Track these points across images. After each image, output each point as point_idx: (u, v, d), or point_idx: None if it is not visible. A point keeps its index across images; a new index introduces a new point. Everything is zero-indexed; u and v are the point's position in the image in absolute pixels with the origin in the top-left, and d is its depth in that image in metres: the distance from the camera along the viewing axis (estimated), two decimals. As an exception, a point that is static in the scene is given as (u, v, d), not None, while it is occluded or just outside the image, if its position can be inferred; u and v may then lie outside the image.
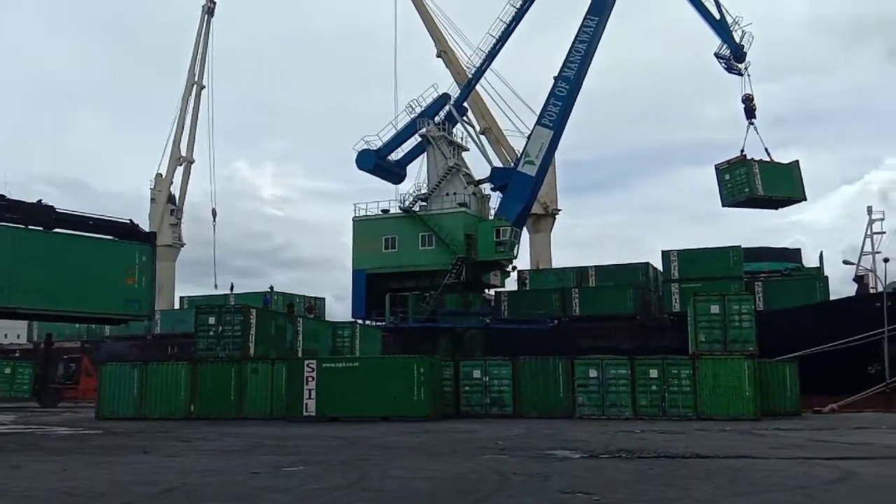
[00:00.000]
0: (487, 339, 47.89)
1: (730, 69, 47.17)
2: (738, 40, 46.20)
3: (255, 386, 31.58)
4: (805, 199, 48.18)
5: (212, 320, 33.57)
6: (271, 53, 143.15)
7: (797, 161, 48.25)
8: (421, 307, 49.49)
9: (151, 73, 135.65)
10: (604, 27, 47.96)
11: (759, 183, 45.71)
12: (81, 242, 27.62)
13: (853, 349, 37.15)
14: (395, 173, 52.04)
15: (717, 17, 46.07)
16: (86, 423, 29.33)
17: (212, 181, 67.88)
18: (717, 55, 47.08)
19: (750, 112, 46.86)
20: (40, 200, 27.27)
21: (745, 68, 46.53)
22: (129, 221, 30.18)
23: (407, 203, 49.79)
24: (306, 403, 29.89)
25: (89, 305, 28.07)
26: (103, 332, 60.81)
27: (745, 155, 46.75)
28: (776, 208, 49.79)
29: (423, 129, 50.05)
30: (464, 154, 52.42)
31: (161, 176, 68.82)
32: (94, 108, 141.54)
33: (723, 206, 48.14)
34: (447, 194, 49.55)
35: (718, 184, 47.85)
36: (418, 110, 50.44)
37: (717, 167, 48.23)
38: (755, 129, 46.82)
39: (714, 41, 46.82)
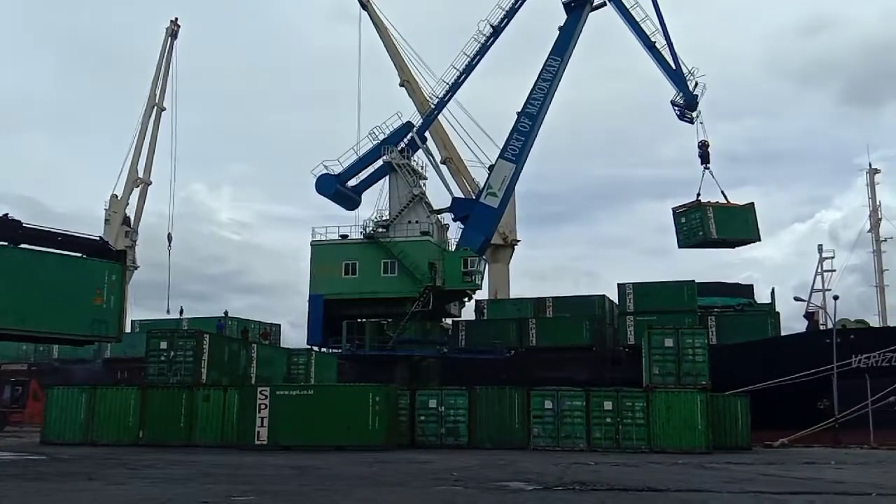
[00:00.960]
0: (444, 369, 47.75)
1: (682, 116, 48.86)
2: (691, 90, 47.84)
3: (207, 413, 31.03)
4: (759, 240, 49.47)
5: (163, 345, 32.98)
6: (232, 78, 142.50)
7: (752, 203, 49.61)
8: (381, 335, 49.26)
9: (109, 94, 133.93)
10: (566, 66, 49.38)
11: (713, 227, 47.11)
12: (48, 259, 26.37)
13: (803, 384, 37.80)
14: (350, 199, 51.81)
15: (674, 66, 47.79)
16: (30, 448, 28.50)
17: (170, 206, 66.59)
18: (672, 102, 48.64)
19: (705, 157, 48.42)
20: (6, 214, 26.08)
21: (697, 116, 48.24)
22: (99, 238, 29.26)
23: (369, 229, 49.56)
24: (258, 431, 29.42)
25: (55, 325, 26.74)
26: (51, 356, 59.43)
27: (699, 200, 48.18)
28: (732, 247, 51.03)
29: (388, 157, 50.05)
30: (421, 182, 52.52)
31: (116, 197, 67.74)
32: (48, 127, 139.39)
33: (679, 247, 49.66)
34: (409, 222, 49.52)
35: (675, 227, 49.27)
36: (381, 137, 50.52)
37: (673, 210, 49.70)
38: (710, 172, 48.39)
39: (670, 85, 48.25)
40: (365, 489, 15.73)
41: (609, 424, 30.75)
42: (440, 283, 47.46)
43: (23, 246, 26.01)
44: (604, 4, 49.51)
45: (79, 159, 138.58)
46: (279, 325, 60.16)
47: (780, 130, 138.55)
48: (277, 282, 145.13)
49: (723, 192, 48.43)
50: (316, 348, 46.64)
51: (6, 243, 25.53)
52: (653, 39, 47.79)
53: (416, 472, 19.51)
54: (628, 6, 48.53)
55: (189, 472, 19.11)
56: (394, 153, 50.01)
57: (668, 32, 47.87)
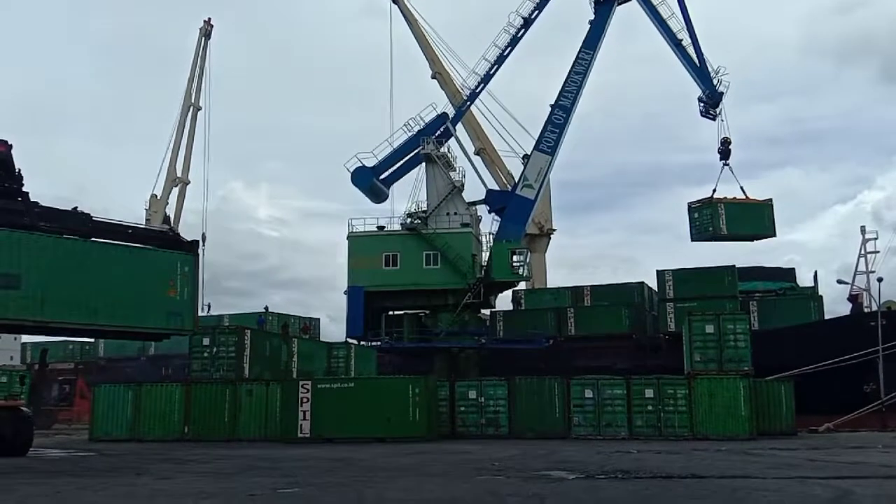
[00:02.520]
0: (483, 360, 47.77)
1: (705, 113, 49.62)
2: (716, 86, 48.62)
3: (250, 407, 31.42)
4: (774, 235, 50.20)
5: (206, 341, 33.48)
6: (267, 75, 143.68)
7: (770, 199, 50.19)
8: (420, 327, 49.46)
9: (148, 94, 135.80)
10: (596, 57, 49.84)
11: (723, 223, 48.28)
12: (119, 252, 25.85)
13: (848, 368, 37.19)
14: (381, 192, 51.83)
15: (698, 64, 48.48)
16: (79, 445, 29.13)
17: (204, 205, 67.08)
18: (700, 99, 49.36)
19: (726, 154, 49.09)
20: (76, 207, 25.65)
21: (719, 113, 48.99)
22: (169, 230, 28.81)
23: (409, 221, 49.50)
24: (301, 425, 29.76)
25: (128, 319, 26.20)
26: (97, 354, 60.62)
27: (711, 197, 49.20)
28: (750, 241, 51.01)
29: (426, 148, 50.00)
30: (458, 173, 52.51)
31: (156, 197, 68.62)
32: (86, 128, 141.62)
33: (692, 241, 50.79)
34: (447, 214, 49.52)
35: (689, 221, 50.39)
36: (416, 129, 50.46)
37: (689, 205, 50.66)
38: (730, 168, 49.21)
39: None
40: (408, 479, 15.83)
41: (650, 412, 30.58)
42: (490, 275, 47.57)
43: (93, 240, 25.53)
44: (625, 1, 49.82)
45: (118, 160, 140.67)
46: (318, 320, 60.78)
47: (819, 110, 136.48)
48: (315, 276, 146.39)
49: (741, 188, 49.35)
50: (355, 341, 46.91)
51: (76, 237, 25.07)
52: (679, 37, 48.43)
53: (458, 462, 19.59)
54: (655, 3, 48.88)
55: (235, 466, 19.39)
56: (430, 144, 49.99)
57: (693, 29, 48.39)
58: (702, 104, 49.32)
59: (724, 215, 48.24)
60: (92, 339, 60.85)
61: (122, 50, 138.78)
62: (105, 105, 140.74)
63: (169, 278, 26.69)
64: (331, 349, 41.81)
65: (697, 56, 48.37)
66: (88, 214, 25.67)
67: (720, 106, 48.89)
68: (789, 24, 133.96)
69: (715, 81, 48.63)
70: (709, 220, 48.77)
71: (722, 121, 48.90)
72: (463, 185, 50.80)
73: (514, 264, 48.23)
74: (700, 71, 48.53)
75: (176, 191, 69.35)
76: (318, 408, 29.75)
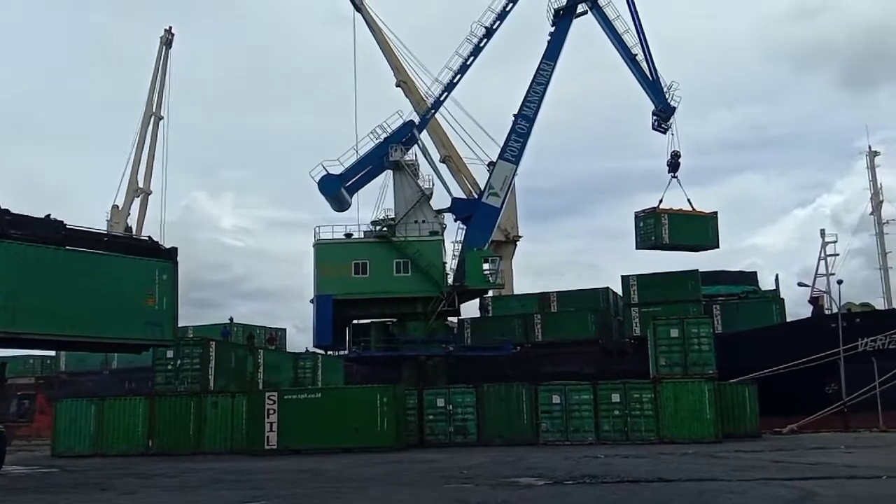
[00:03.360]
0: (451, 367, 47.76)
1: (657, 127, 50.61)
2: (668, 100, 49.68)
3: (215, 420, 31.07)
4: (717, 247, 51.09)
5: (170, 354, 33.01)
6: (227, 84, 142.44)
7: (716, 212, 51.21)
8: (387, 336, 49.29)
9: (109, 102, 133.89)
10: (556, 66, 50.59)
11: (665, 232, 49.30)
12: (95, 260, 24.89)
13: (810, 370, 37.79)
14: (344, 200, 51.42)
15: (651, 78, 49.51)
16: (41, 461, 28.54)
17: (162, 215, 66.13)
18: (653, 112, 50.36)
19: (675, 167, 50.00)
20: (49, 215, 24.62)
21: (670, 127, 50.05)
22: (148, 238, 27.54)
23: (378, 229, 49.23)
24: (268, 436, 29.47)
25: (105, 330, 25.20)
26: (59, 368, 59.53)
27: (655, 207, 50.16)
28: (693, 251, 51.64)
29: (395, 156, 49.86)
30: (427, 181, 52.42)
31: (117, 207, 67.79)
32: (45, 138, 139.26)
33: (636, 248, 51.56)
34: (415, 222, 49.43)
35: (635, 229, 51.20)
36: (383, 136, 50.26)
37: (635, 214, 51.54)
38: (678, 180, 50.09)
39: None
40: (376, 489, 15.76)
41: (617, 417, 30.80)
42: (464, 283, 47.64)
43: (67, 248, 24.52)
44: (586, 13, 50.55)
45: (78, 170, 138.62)
46: (284, 330, 60.20)
47: (778, 116, 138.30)
48: (281, 286, 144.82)
49: (688, 200, 50.28)
50: (322, 351, 46.59)
51: (49, 245, 24.04)
52: (634, 52, 49.46)
53: (427, 471, 19.55)
54: (611, 17, 49.76)
55: (200, 480, 19.15)
56: (398, 152, 49.91)
57: (647, 44, 49.46)
58: (654, 118, 50.43)
59: (668, 225, 49.46)
60: (54, 353, 59.82)
61: (81, 56, 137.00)
62: (63, 113, 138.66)
63: (147, 287, 25.80)
64: (297, 359, 41.51)
65: (651, 70, 49.52)
66: (62, 222, 24.73)
67: (671, 120, 50.03)
68: (747, 30, 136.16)
69: (668, 96, 49.77)
70: (652, 229, 49.87)
71: (672, 134, 50.13)
72: (431, 193, 50.80)
73: (486, 272, 48.35)
74: (653, 85, 49.67)
75: (138, 201, 68.54)
76: (284, 419, 29.49)
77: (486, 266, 48.51)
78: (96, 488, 17.39)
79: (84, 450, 30.82)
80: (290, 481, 17.99)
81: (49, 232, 24.27)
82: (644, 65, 49.57)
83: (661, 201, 50.20)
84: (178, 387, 32.49)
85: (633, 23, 49.46)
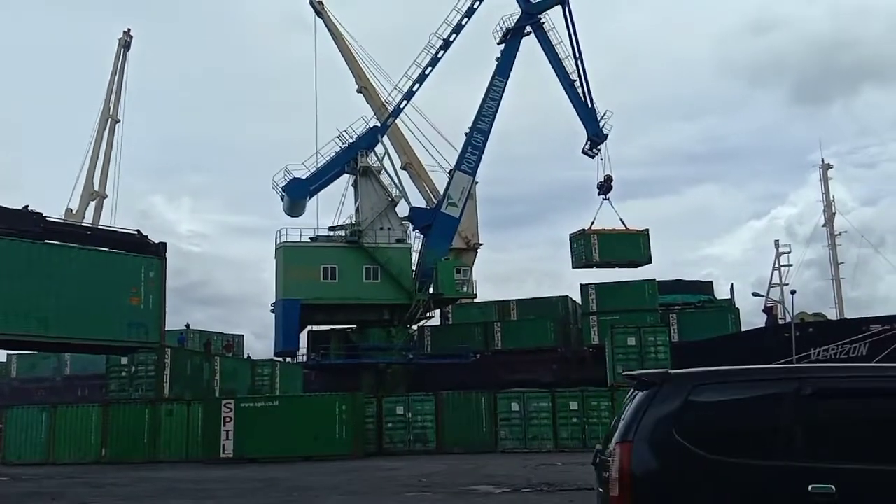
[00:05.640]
0: (411, 375, 47.68)
1: (587, 151, 51.57)
2: (601, 127, 50.89)
3: (171, 428, 30.60)
4: (650, 262, 52.01)
5: (124, 361, 32.40)
6: (187, 87, 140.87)
7: (647, 230, 52.21)
8: (348, 344, 49.07)
9: (63, 104, 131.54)
10: (507, 82, 51.20)
11: (595, 252, 50.73)
12: (75, 255, 23.43)
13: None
14: (300, 205, 50.75)
15: (588, 105, 50.67)
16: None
17: (112, 220, 64.89)
18: (589, 138, 51.23)
19: (608, 189, 51.13)
20: (27, 206, 23.23)
21: (598, 153, 51.34)
22: (136, 232, 25.70)
23: (348, 234, 48.61)
24: (224, 444, 29.11)
25: (84, 331, 23.90)
26: (10, 375, 58.19)
27: (585, 229, 51.48)
28: (628, 267, 52.42)
29: (364, 161, 49.61)
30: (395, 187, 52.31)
31: (71, 211, 66.53)
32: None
33: (572, 268, 52.75)
34: (381, 228, 49.21)
35: (570, 250, 52.64)
36: (349, 141, 49.92)
37: (570, 236, 52.92)
38: (609, 202, 51.21)
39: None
40: (334, 498, 15.67)
41: (575, 424, 31.02)
42: (438, 291, 47.74)
43: (46, 242, 23.09)
44: (530, 34, 51.13)
45: (30, 171, 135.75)
46: (242, 336, 59.59)
47: (734, 129, 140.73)
48: (239, 292, 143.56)
49: (621, 220, 51.41)
50: (281, 358, 46.12)
51: (25, 239, 22.65)
52: (572, 78, 50.43)
53: (385, 480, 19.49)
54: (553, 43, 50.46)
55: (154, 489, 18.87)
56: (366, 157, 49.70)
57: (585, 71, 50.42)
58: (587, 143, 51.50)
59: (598, 245, 50.83)
60: (4, 359, 58.51)
61: (35, 56, 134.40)
62: (22, 115, 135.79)
63: (132, 284, 24.46)
64: (255, 367, 41.10)
65: (586, 97, 50.64)
66: (41, 214, 23.42)
67: (602, 145, 51.23)
68: (704, 44, 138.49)
69: (601, 123, 50.89)
70: (583, 249, 51.28)
71: (601, 159, 51.30)
72: (400, 199, 50.59)
73: (457, 282, 48.67)
74: (588, 112, 50.72)
75: (93, 205, 67.39)
76: (241, 427, 29.17)
77: (457, 276, 48.84)
78: (47, 498, 17.03)
79: (35, 458, 30.14)
80: (247, 490, 17.80)
81: (26, 225, 22.96)
82: (581, 91, 50.64)
83: (592, 223, 51.48)
84: (133, 394, 31.95)
85: (573, 50, 50.44)
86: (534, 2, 50.84)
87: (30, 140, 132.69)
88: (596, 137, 50.91)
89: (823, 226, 59.65)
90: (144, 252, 25.29)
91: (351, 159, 49.44)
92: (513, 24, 50.90)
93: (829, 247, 59.10)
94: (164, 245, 26.89)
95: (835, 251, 58.91)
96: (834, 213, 59.54)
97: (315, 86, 53.79)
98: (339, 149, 49.45)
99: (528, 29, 51.03)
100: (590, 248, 50.97)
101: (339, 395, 31.18)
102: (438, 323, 54.12)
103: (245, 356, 50.49)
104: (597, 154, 51.31)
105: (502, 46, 51.23)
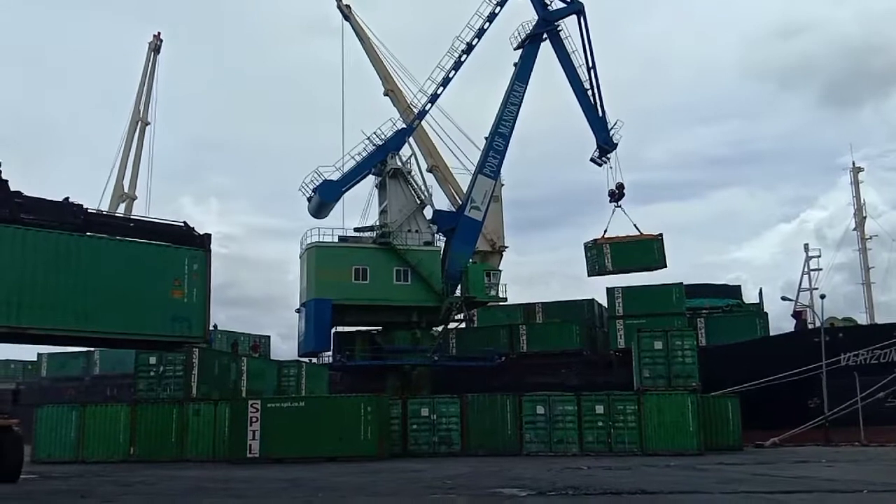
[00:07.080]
0: (435, 377, 47.69)
1: (595, 160, 51.97)
2: (610, 136, 51.01)
3: (198, 427, 30.89)
4: (665, 266, 51.64)
5: (153, 360, 32.71)
6: (216, 91, 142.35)
7: (661, 234, 51.87)
8: (374, 345, 49.13)
9: (93, 108, 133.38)
10: (528, 85, 51.47)
11: (608, 261, 51.35)
12: (116, 248, 22.83)
13: (793, 384, 38.01)
14: (327, 207, 50.79)
15: (599, 114, 50.89)
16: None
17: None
18: (598, 146, 51.53)
19: (619, 197, 51.48)
20: (67, 198, 22.62)
21: (607, 161, 51.67)
22: (183, 224, 24.98)
23: (376, 235, 48.69)
24: (250, 444, 29.32)
25: (125, 325, 23.20)
26: (40, 374, 59.03)
27: (597, 239, 51.98)
28: (642, 272, 52.37)
29: (393, 164, 49.72)
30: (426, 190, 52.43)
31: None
32: (27, 143, 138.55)
33: (588, 276, 52.98)
34: (408, 231, 49.25)
35: (585, 259, 52.83)
36: (378, 143, 49.94)
37: (584, 245, 53.02)
38: (623, 209, 51.48)
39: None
40: (359, 499, 15.70)
41: (601, 428, 30.83)
42: (469, 294, 47.87)
43: (88, 234, 22.54)
44: (546, 40, 51.31)
45: (61, 174, 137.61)
46: (269, 337, 60.03)
47: (762, 132, 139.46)
48: (266, 294, 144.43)
49: (635, 225, 51.62)
50: (307, 359, 46.30)
51: (66, 231, 22.14)
52: (586, 86, 50.73)
53: (410, 481, 19.50)
54: (569, 51, 50.62)
55: (181, 488, 19.03)
56: (396, 159, 49.82)
57: (598, 81, 50.74)
58: (596, 151, 51.68)
59: (610, 254, 51.17)
60: (34, 357, 59.33)
61: (64, 62, 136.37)
62: (46, 117, 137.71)
63: (174, 277, 23.76)
64: (281, 367, 41.33)
65: (598, 106, 50.77)
66: (81, 206, 22.89)
67: (611, 154, 51.36)
68: (731, 48, 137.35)
69: (612, 132, 50.97)
70: (596, 259, 51.63)
71: (610, 168, 51.51)
72: (428, 201, 50.58)
73: (487, 285, 48.83)
74: (599, 121, 50.85)
75: (123, 206, 68.15)
76: (267, 427, 29.35)
77: (486, 280, 49.04)
78: (76, 495, 17.24)
79: (65, 456, 30.60)
80: (272, 490, 17.90)
81: (67, 217, 22.44)
82: (593, 100, 50.76)
83: (605, 231, 51.76)
84: (161, 394, 32.24)
85: (586, 59, 50.57)
86: (551, 9, 51.10)
87: (61, 141, 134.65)
88: (605, 146, 51.25)
89: (854, 229, 58.92)
90: (188, 244, 24.70)
91: (379, 161, 49.53)
92: (530, 31, 51.13)
93: (860, 251, 58.39)
94: (209, 236, 26.19)
95: (865, 255, 58.17)
96: (864, 217, 58.79)
97: (342, 89, 53.75)
98: (368, 151, 49.57)
99: (545, 35, 51.21)
100: (602, 257, 51.51)
101: (365, 397, 31.26)
102: (464, 326, 54.05)
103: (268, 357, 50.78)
104: (605, 163, 51.67)
105: (520, 52, 51.31)
